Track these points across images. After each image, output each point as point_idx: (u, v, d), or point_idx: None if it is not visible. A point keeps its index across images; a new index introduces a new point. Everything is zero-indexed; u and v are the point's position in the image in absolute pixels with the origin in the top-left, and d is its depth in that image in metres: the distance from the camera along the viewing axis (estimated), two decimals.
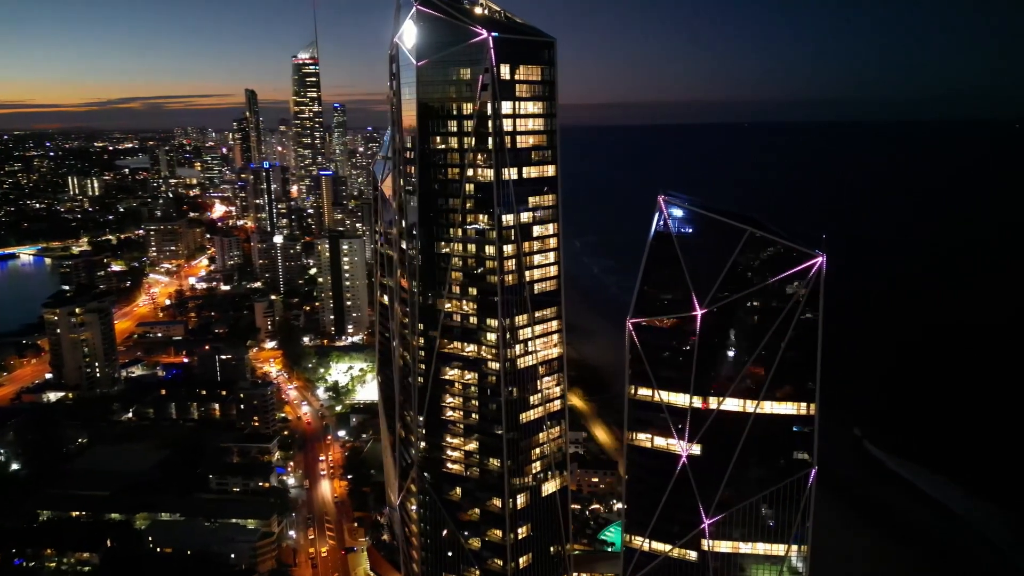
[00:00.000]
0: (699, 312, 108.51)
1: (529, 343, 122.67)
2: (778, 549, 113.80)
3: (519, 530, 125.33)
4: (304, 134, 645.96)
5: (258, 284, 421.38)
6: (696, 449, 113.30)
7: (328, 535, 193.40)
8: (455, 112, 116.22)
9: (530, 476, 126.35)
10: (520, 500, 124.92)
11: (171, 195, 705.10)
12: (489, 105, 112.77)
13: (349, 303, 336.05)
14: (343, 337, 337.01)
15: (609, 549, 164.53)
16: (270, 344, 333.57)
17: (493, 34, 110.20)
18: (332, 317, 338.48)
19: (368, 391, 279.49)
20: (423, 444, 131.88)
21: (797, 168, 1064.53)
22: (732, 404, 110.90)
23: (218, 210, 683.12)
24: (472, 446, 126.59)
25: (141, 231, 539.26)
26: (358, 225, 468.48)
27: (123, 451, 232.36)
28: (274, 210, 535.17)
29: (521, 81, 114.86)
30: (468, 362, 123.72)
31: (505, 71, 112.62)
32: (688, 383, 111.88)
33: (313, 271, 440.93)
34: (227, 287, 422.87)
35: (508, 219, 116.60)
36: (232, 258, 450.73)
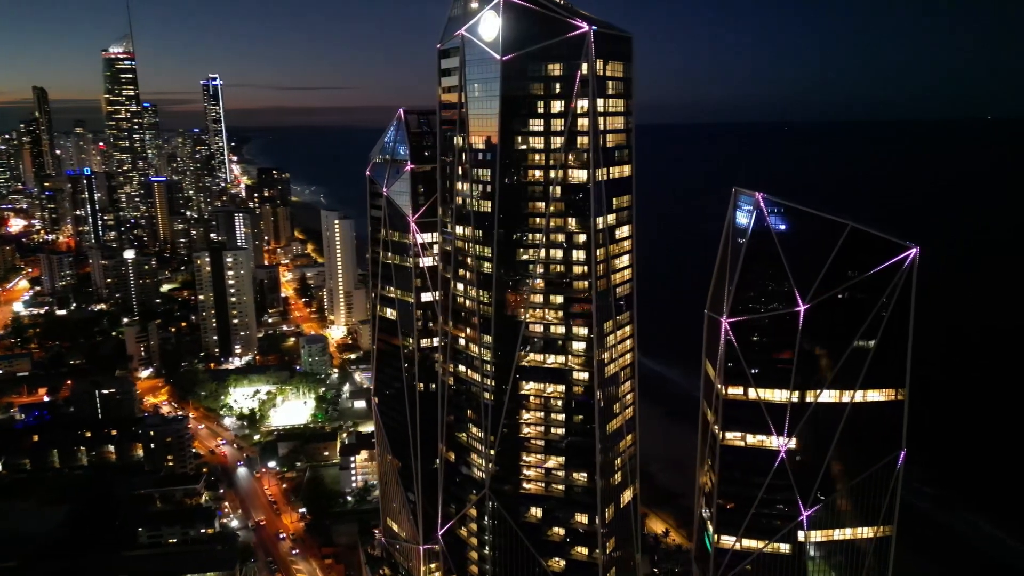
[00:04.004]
0: (802, 307, 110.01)
1: (612, 350, 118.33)
2: (867, 532, 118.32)
3: (607, 545, 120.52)
4: (121, 137, 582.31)
5: (103, 306, 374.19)
6: (792, 443, 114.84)
7: None
8: (542, 110, 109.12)
9: (613, 488, 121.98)
10: (607, 514, 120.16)
11: None
12: (585, 102, 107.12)
13: (236, 321, 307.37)
14: (230, 359, 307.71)
15: None
16: (145, 372, 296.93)
17: (593, 28, 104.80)
18: (216, 338, 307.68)
19: (284, 415, 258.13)
20: (491, 464, 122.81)
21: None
22: (828, 396, 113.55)
23: (15, 224, 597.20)
24: (554, 462, 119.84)
25: None
26: (212, 236, 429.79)
27: (11, 511, 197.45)
28: (99, 222, 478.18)
29: (609, 78, 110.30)
30: (552, 373, 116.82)
31: (598, 67, 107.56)
32: (786, 379, 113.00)
33: (166, 288, 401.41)
34: (63, 311, 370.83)
35: (599, 222, 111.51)
36: (64, 278, 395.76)
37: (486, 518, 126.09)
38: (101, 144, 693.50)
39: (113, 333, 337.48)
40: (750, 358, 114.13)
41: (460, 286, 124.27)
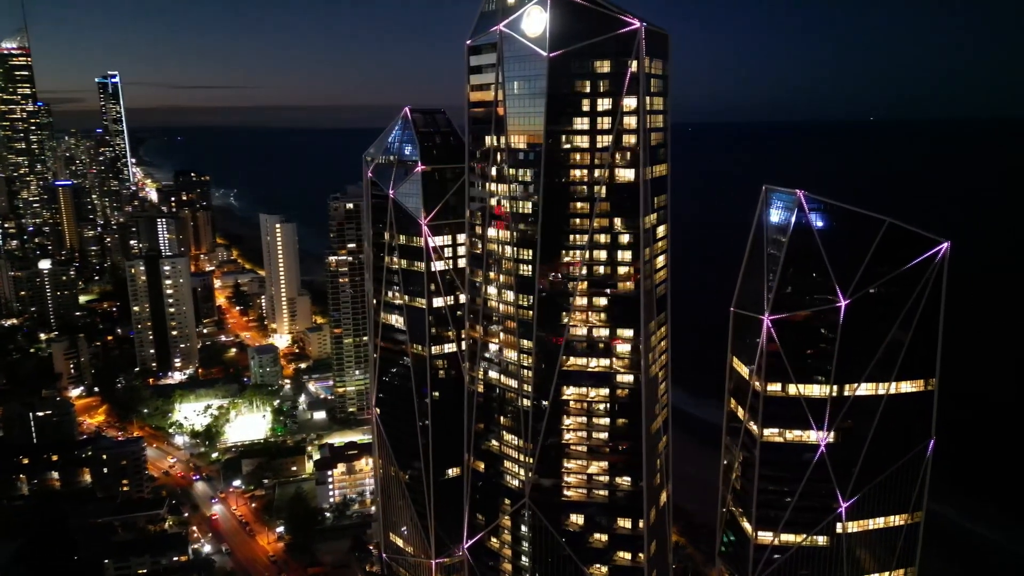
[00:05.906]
0: (843, 302, 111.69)
1: (653, 351, 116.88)
2: (899, 520, 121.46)
3: (650, 548, 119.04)
4: (16, 138, 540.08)
5: (15, 321, 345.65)
6: (831, 436, 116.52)
7: None
8: (588, 108, 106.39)
9: (654, 490, 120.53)
10: (650, 517, 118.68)
11: None
12: (632, 100, 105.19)
13: (175, 333, 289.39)
14: (170, 373, 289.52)
15: None
16: (76, 391, 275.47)
17: (644, 24, 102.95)
18: (153, 351, 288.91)
19: (240, 431, 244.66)
20: (530, 473, 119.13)
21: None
22: (865, 388, 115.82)
23: None
24: (597, 467, 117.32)
25: None
26: (132, 243, 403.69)
27: None
28: None
29: (652, 75, 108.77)
30: (596, 377, 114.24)
31: (645, 64, 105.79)
32: (826, 373, 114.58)
33: (83, 299, 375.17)
34: None
35: (645, 221, 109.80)
36: None
37: (523, 527, 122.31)
38: None
39: (32, 350, 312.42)
40: (791, 354, 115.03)
41: (492, 290, 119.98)
